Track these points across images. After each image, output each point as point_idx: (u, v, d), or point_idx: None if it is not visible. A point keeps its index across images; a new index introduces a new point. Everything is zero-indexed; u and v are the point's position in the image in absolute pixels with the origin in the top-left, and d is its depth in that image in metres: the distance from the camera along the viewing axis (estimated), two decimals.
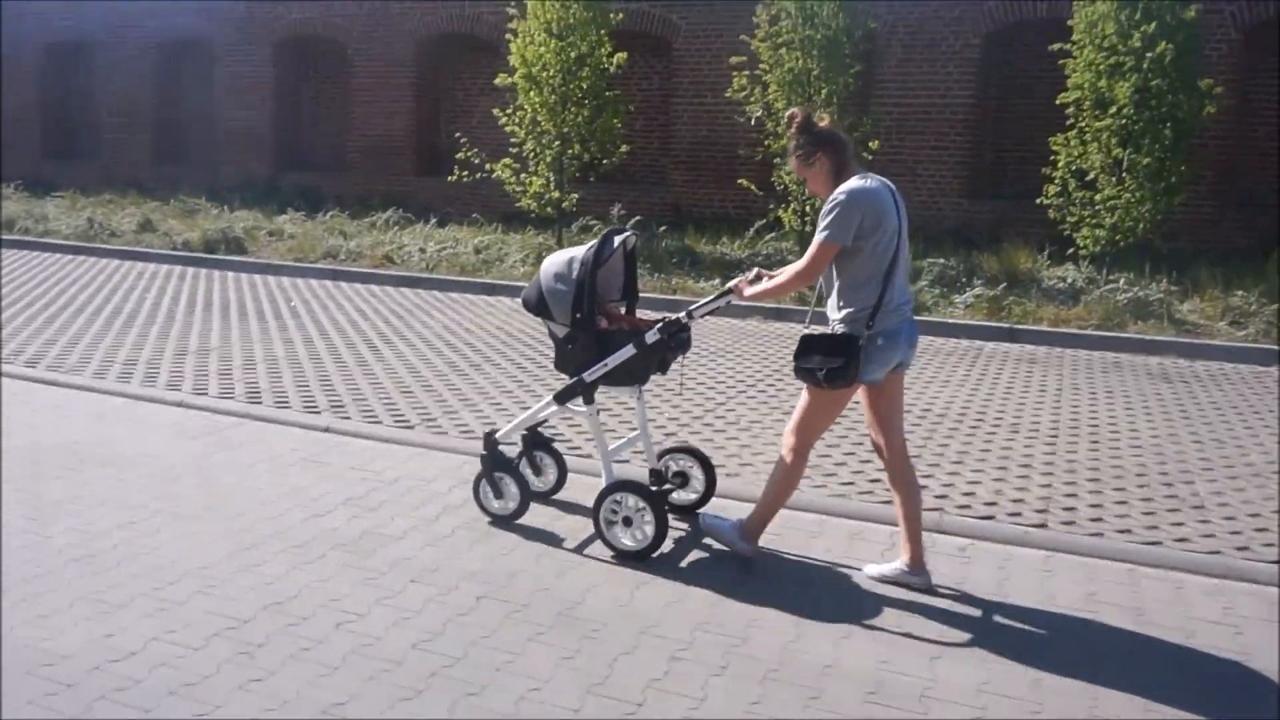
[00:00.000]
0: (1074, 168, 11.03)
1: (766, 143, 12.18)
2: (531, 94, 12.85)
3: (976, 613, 3.76)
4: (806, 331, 3.76)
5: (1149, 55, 9.97)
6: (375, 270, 12.34)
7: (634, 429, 4.91)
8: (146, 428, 5.76)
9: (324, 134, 18.68)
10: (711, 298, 4.14)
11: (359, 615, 3.60)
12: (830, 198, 3.65)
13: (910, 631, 3.59)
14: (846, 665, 3.35)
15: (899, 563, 3.93)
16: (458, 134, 14.62)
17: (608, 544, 4.12)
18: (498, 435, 4.45)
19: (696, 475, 4.57)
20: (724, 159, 14.97)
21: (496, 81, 13.52)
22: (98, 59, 19.69)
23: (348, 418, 6.09)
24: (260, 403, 6.39)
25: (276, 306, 10.12)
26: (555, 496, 4.74)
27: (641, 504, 4.01)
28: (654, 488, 4.26)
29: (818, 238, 3.64)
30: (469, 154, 13.49)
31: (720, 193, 15.05)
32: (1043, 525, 4.68)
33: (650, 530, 4.02)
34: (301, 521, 4.44)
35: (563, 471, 4.72)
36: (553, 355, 4.36)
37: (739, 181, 13.02)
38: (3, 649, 3.25)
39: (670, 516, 4.28)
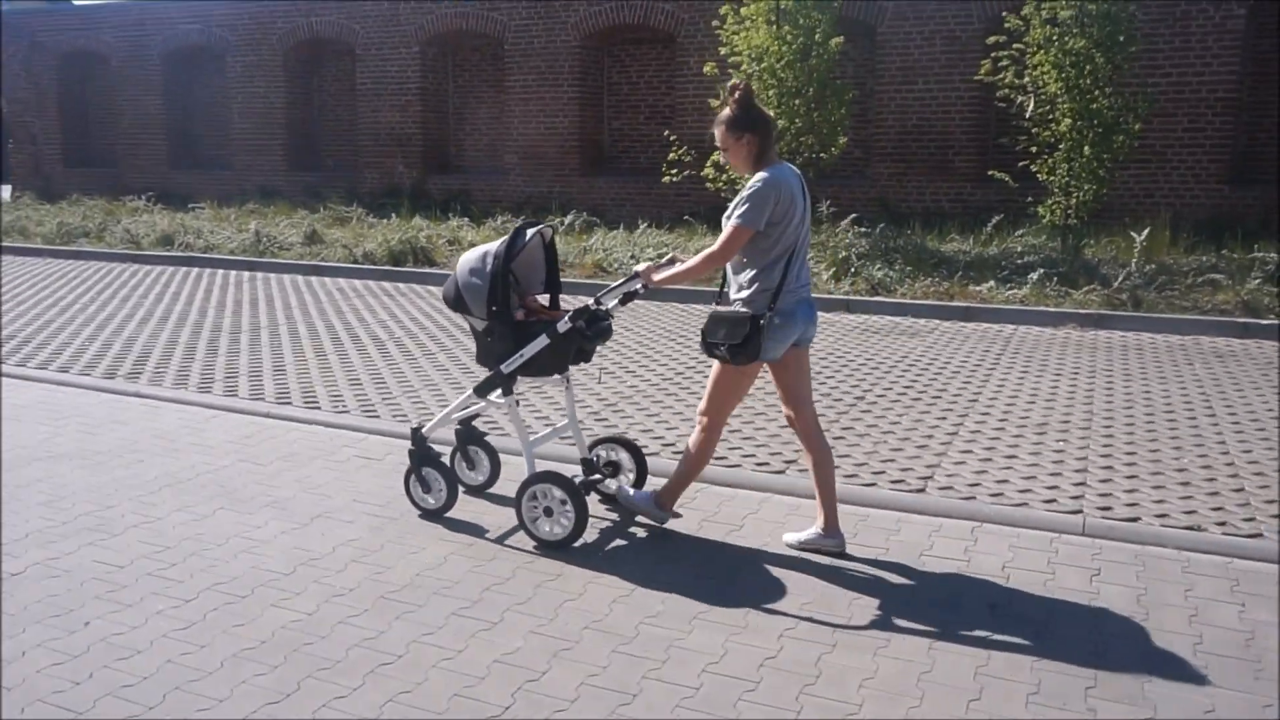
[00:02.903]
0: None
1: (1035, 130, 10.96)
2: (756, 84, 11.73)
3: None
4: (714, 309, 3.87)
5: None
6: (591, 280, 11.25)
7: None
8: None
9: (473, 135, 17.68)
10: (620, 283, 4.21)
11: None
12: (748, 184, 3.76)
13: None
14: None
15: (814, 529, 4.03)
16: (667, 133, 13.53)
17: (530, 534, 4.10)
18: (424, 430, 4.42)
19: (628, 464, 4.56)
20: (937, 149, 13.80)
21: (706, 70, 12.42)
22: (227, 63, 18.79)
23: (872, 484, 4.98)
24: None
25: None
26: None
27: (563, 495, 4.02)
28: (585, 477, 4.32)
29: (733, 222, 3.75)
30: (679, 153, 12.42)
31: (932, 185, 13.88)
32: None
33: (571, 521, 4.01)
34: None
35: (496, 465, 4.73)
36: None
37: (991, 173, 11.83)
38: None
39: (604, 506, 4.49)
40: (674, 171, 12.48)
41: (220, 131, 19.35)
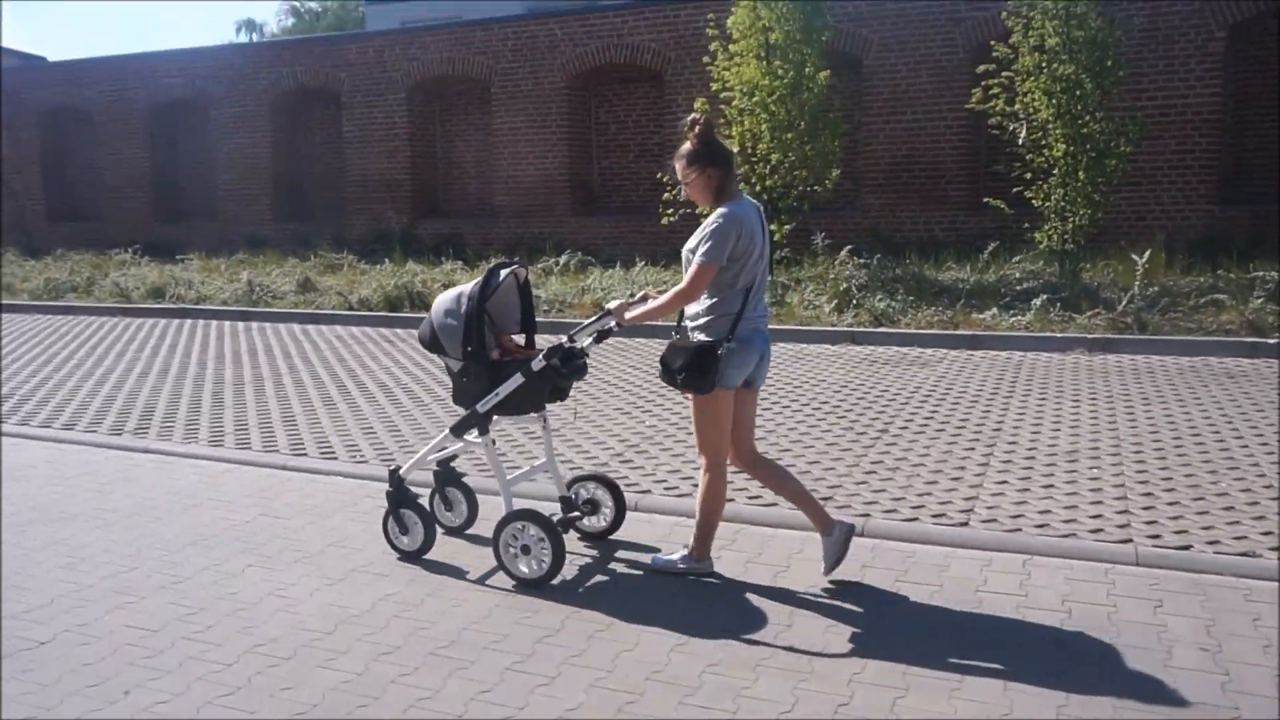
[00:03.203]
0: None
1: (1029, 156, 11.04)
2: (748, 119, 11.80)
3: None
4: (673, 341, 3.92)
5: None
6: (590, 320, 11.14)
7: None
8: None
9: (462, 179, 17.67)
10: (591, 320, 4.19)
11: None
12: (709, 220, 3.77)
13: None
14: None
15: (822, 543, 4.03)
16: (659, 174, 13.52)
17: (508, 573, 4.10)
18: (401, 471, 4.45)
19: (606, 502, 4.56)
20: (928, 178, 13.88)
21: (696, 106, 12.43)
22: (211, 115, 18.75)
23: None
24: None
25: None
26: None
27: (539, 532, 4.02)
28: (564, 515, 4.35)
29: (697, 261, 3.75)
30: (673, 192, 12.41)
31: (924, 214, 13.94)
32: None
33: (548, 558, 4.01)
34: None
35: (473, 506, 4.74)
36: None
37: (987, 200, 11.88)
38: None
39: (584, 543, 4.51)
40: (670, 212, 12.46)
41: (206, 183, 19.26)
